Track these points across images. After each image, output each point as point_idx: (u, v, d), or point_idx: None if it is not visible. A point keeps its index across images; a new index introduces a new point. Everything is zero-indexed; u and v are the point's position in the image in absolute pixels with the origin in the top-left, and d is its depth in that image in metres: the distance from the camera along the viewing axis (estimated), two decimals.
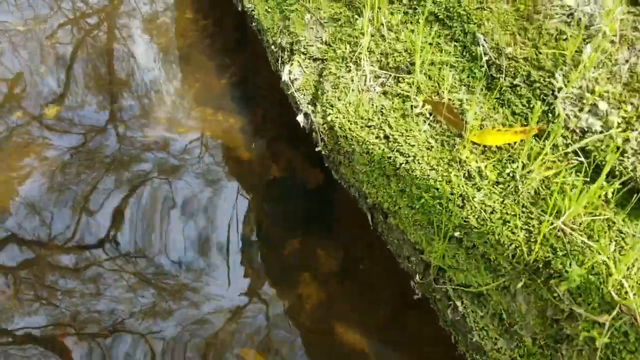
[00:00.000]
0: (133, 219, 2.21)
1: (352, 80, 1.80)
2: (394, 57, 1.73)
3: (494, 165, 1.48)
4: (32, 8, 2.97)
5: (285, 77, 2.08)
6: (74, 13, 2.97)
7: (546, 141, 1.40)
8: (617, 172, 1.32)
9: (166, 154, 2.38)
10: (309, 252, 2.24)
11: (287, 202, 2.32)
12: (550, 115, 1.42)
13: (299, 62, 2.03)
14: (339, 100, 1.81)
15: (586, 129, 1.35)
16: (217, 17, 3.08)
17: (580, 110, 1.36)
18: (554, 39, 1.45)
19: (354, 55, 1.81)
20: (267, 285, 2.13)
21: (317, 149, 1.93)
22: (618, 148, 1.28)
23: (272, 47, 2.22)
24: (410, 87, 1.65)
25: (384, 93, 1.71)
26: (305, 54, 2.01)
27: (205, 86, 2.76)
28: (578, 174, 1.36)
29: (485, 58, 1.54)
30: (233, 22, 2.97)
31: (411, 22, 1.72)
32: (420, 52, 1.64)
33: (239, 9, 2.46)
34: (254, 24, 2.37)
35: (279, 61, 2.20)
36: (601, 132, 1.33)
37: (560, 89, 1.39)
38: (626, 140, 1.29)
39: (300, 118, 2.03)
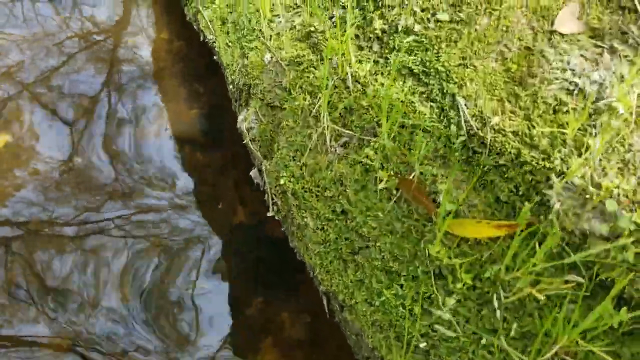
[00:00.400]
0: (76, 261, 1.90)
1: (310, 138, 1.48)
2: (359, 114, 1.42)
3: (471, 265, 1.16)
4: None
5: (239, 124, 1.77)
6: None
7: (537, 242, 1.08)
8: (626, 296, 1.00)
9: (124, 186, 2.09)
10: (273, 314, 1.92)
11: (252, 253, 2.01)
12: (543, 207, 1.10)
13: (255, 108, 1.72)
14: (294, 160, 1.50)
15: (588, 233, 1.03)
16: (193, 38, 2.77)
17: (582, 207, 1.04)
18: (551, 110, 1.13)
19: (314, 108, 1.51)
20: (224, 350, 1.82)
21: (268, 214, 1.61)
22: (629, 269, 0.97)
23: (231, 86, 1.91)
24: (376, 153, 1.33)
25: (346, 157, 1.40)
26: (263, 100, 1.70)
27: (174, 116, 2.45)
28: (576, 289, 1.04)
29: (465, 127, 1.22)
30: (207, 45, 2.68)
31: (382, 74, 1.41)
32: (389, 112, 1.33)
33: (201, 39, 2.16)
34: (215, 57, 2.07)
35: (237, 103, 1.89)
36: (607, 240, 1.02)
37: (557, 177, 1.08)
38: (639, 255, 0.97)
39: (253, 173, 1.71)
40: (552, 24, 1.20)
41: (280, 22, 1.72)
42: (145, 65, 2.63)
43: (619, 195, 1.02)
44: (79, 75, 2.46)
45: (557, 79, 1.14)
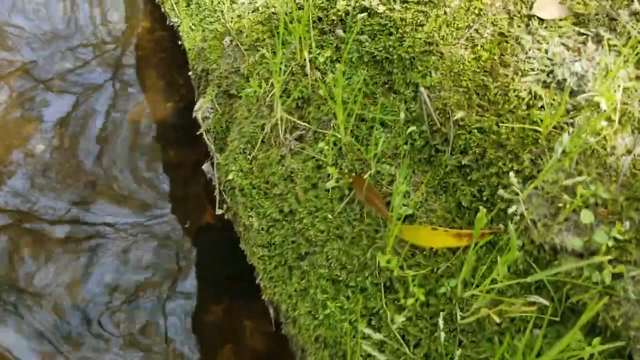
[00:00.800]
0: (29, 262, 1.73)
1: (263, 129, 1.33)
2: (316, 104, 1.26)
3: (425, 278, 1.00)
4: None
5: (195, 113, 1.61)
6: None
7: (499, 254, 0.92)
8: (600, 323, 0.84)
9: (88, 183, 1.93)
10: (235, 321, 1.75)
11: (217, 257, 1.84)
12: (510, 215, 0.94)
13: (211, 96, 1.56)
14: (244, 153, 1.34)
15: (559, 247, 0.87)
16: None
17: (553, 217, 0.89)
18: (524, 105, 0.98)
19: (268, 97, 1.35)
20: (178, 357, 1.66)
21: (216, 212, 1.45)
22: (605, 292, 0.81)
23: (191, 72, 1.75)
24: (330, 149, 1.18)
25: (300, 152, 1.24)
26: (220, 87, 1.54)
27: (150, 109, 2.29)
28: (542, 312, 0.88)
29: (428, 121, 1.07)
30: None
31: (345, 61, 1.26)
32: (347, 102, 1.17)
33: (167, 22, 2.00)
34: (179, 42, 1.92)
35: (197, 92, 1.74)
36: (581, 257, 0.86)
37: (526, 181, 0.92)
38: (617, 276, 0.81)
39: (206, 167, 1.55)
40: (531, 7, 1.05)
41: (244, 3, 1.56)
42: (123, 55, 2.47)
43: (596, 205, 0.86)
44: (53, 63, 2.29)
45: (532, 69, 0.98)
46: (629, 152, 0.87)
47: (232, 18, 1.55)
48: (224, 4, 1.59)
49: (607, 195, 0.85)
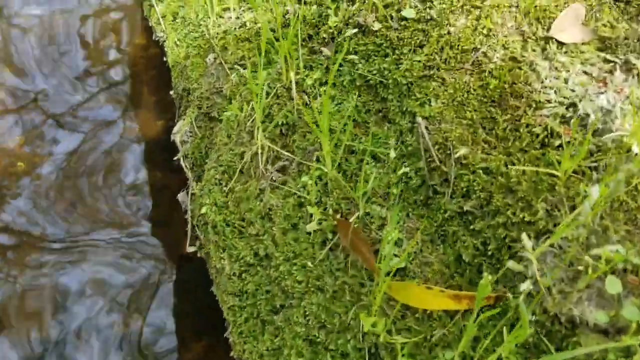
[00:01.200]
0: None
1: (242, 158, 1.19)
2: (302, 132, 1.13)
3: (416, 346, 0.85)
4: None
5: (173, 136, 1.48)
6: None
7: (507, 325, 0.77)
8: None
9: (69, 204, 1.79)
10: None
11: (198, 290, 1.69)
12: (519, 276, 0.79)
13: (191, 118, 1.43)
14: (220, 184, 1.20)
15: (578, 320, 0.72)
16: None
17: (572, 283, 0.74)
18: (538, 143, 0.83)
19: (249, 121, 1.21)
20: None
21: (188, 249, 1.31)
22: None
23: (172, 91, 1.63)
24: (315, 184, 1.03)
25: (282, 185, 1.10)
26: (200, 109, 1.41)
27: (141, 128, 2.16)
28: None
29: (425, 158, 0.92)
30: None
31: (334, 84, 1.12)
32: (335, 131, 1.03)
33: (153, 37, 1.88)
34: (165, 58, 1.80)
35: (177, 112, 1.61)
36: (605, 334, 0.71)
37: (540, 235, 0.77)
38: None
39: (181, 196, 1.42)
40: (549, 29, 0.91)
41: (230, 17, 1.44)
42: (118, 71, 2.35)
43: (624, 271, 0.71)
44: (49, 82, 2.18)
45: (549, 101, 0.84)
46: None
47: (217, 34, 1.43)
48: (209, 17, 1.46)
49: (639, 260, 0.69)
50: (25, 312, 1.57)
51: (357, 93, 1.08)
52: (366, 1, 1.09)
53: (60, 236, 1.70)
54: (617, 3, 0.89)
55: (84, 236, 1.74)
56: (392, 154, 0.90)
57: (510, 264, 0.63)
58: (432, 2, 0.99)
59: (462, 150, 0.86)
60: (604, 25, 0.88)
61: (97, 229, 1.76)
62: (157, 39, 1.79)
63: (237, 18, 1.42)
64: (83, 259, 1.69)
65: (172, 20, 1.68)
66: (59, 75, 2.22)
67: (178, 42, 1.62)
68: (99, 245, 1.72)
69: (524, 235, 0.62)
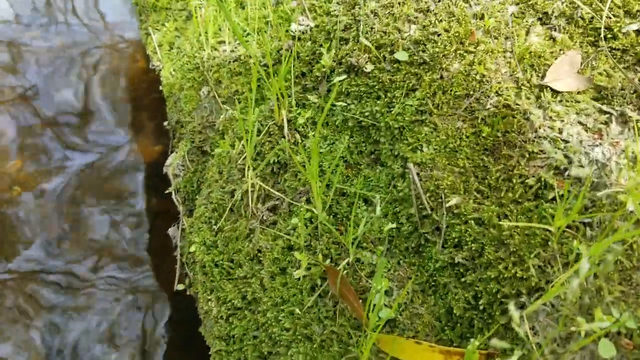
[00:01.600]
0: None
1: (233, 196, 1.17)
2: (293, 171, 1.11)
3: None
4: None
5: (165, 168, 1.47)
6: None
7: None
8: None
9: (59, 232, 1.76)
10: None
11: (189, 326, 1.66)
12: (511, 332, 0.77)
13: (183, 152, 1.42)
14: (210, 222, 1.18)
15: None
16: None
17: (564, 344, 0.71)
18: (532, 194, 0.81)
19: (241, 158, 1.20)
20: None
21: (175, 287, 1.29)
22: None
23: (167, 124, 1.62)
24: (303, 226, 1.02)
25: (272, 226, 1.08)
26: (193, 143, 1.40)
27: (139, 153, 2.15)
28: None
29: (417, 205, 0.90)
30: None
31: (326, 124, 1.11)
32: (326, 172, 1.02)
33: (149, 65, 1.88)
34: (160, 87, 1.79)
35: (170, 144, 1.60)
36: None
37: (532, 292, 0.75)
38: None
39: (172, 231, 1.40)
40: (544, 76, 0.89)
41: (225, 50, 1.43)
42: (119, 95, 2.35)
43: (618, 334, 0.69)
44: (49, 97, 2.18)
45: (543, 152, 0.82)
46: None
47: (211, 66, 1.42)
48: (204, 50, 1.46)
49: (633, 324, 0.67)
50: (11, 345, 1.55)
51: (349, 134, 1.07)
52: (359, 41, 1.08)
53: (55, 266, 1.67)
54: (613, 51, 0.88)
55: (77, 265, 1.72)
56: (378, 210, 0.89)
57: (495, 341, 0.60)
58: (425, 45, 0.98)
59: (454, 200, 0.84)
60: (600, 74, 0.87)
61: (90, 257, 1.74)
62: (153, 67, 1.78)
63: (232, 51, 1.41)
64: (78, 295, 1.66)
65: (169, 50, 1.68)
66: (61, 99, 2.22)
67: (173, 72, 1.61)
68: (93, 279, 1.70)
69: (511, 306, 0.60)
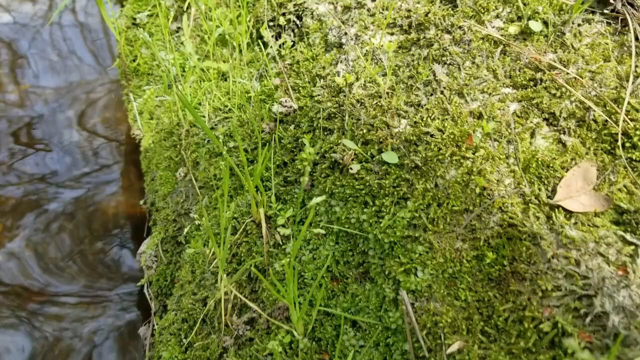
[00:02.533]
0: None
1: (205, 304, 1.03)
2: (272, 280, 0.97)
3: None
4: None
5: (138, 257, 1.33)
6: None
7: None
8: None
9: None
10: None
11: None
12: None
13: (157, 241, 1.28)
14: (179, 335, 1.04)
15: None
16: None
17: None
18: (546, 342, 0.68)
19: (214, 261, 1.06)
20: None
21: None
22: None
23: (143, 203, 1.49)
24: (282, 351, 0.87)
25: (248, 343, 0.94)
26: (167, 232, 1.27)
27: (124, 209, 2.02)
28: None
29: (412, 342, 0.76)
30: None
31: (311, 224, 0.98)
32: (309, 285, 0.88)
33: (130, 133, 1.76)
34: (141, 156, 1.67)
35: (145, 227, 1.46)
36: None
37: None
38: None
39: (142, 331, 1.25)
40: (554, 191, 0.76)
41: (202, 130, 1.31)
42: (108, 150, 2.24)
43: None
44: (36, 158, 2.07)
45: (558, 288, 0.69)
46: None
47: (189, 145, 1.30)
48: (182, 127, 1.34)
49: None
50: None
51: (334, 239, 0.93)
52: (345, 133, 0.96)
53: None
54: (633, 162, 0.75)
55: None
56: (370, 341, 0.74)
57: None
58: (417, 145, 0.86)
59: (456, 345, 0.70)
60: (620, 191, 0.73)
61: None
62: (133, 135, 1.66)
63: (212, 128, 1.29)
64: None
65: (149, 119, 1.56)
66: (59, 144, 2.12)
67: (153, 144, 1.49)
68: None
69: None
